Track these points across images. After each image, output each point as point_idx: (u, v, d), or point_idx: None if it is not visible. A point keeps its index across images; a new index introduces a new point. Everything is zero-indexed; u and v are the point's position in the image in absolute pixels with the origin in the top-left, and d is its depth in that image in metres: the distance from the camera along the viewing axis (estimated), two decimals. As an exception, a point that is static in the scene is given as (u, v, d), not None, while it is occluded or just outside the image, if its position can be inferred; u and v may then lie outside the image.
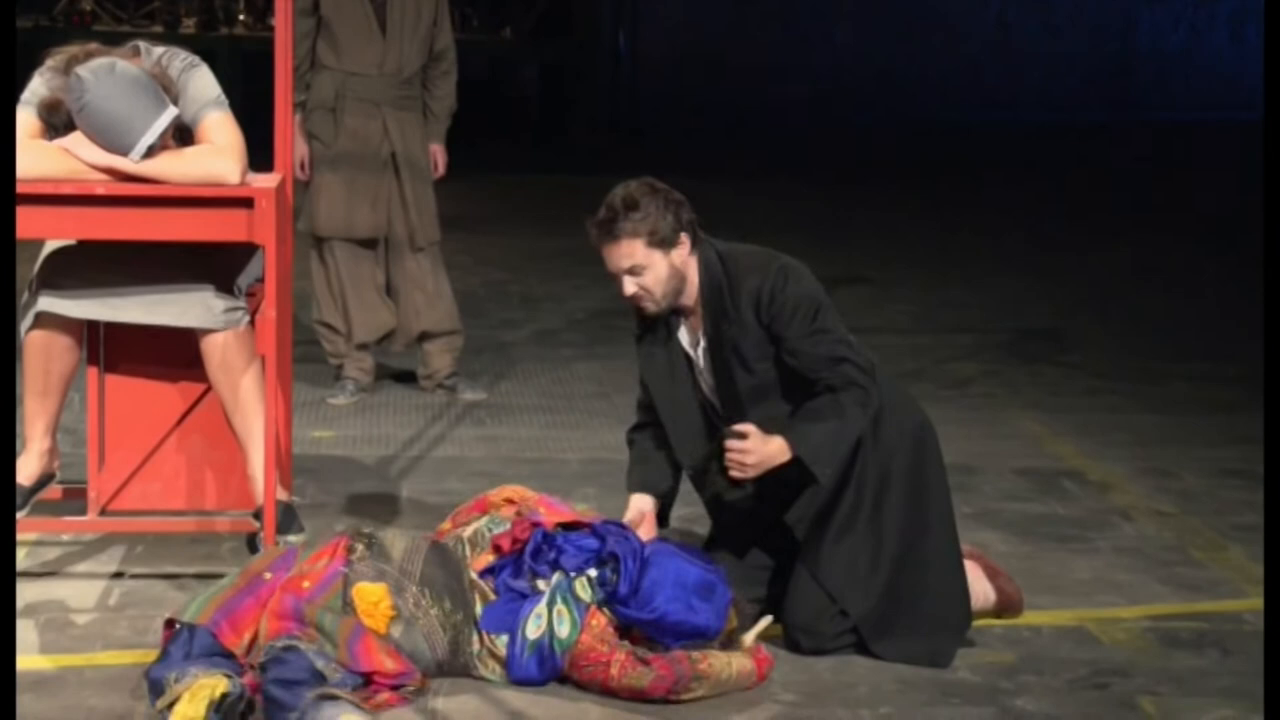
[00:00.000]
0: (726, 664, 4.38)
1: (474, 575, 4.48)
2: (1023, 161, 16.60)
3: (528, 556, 4.48)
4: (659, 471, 4.94)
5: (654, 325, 4.86)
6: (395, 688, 4.29)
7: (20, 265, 5.30)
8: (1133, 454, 6.77)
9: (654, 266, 4.72)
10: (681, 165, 15.78)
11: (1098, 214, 13.33)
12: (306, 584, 4.38)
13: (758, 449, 4.62)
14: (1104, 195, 14.47)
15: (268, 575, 4.42)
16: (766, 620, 4.45)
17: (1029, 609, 5.10)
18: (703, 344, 4.81)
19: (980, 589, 4.90)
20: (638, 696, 4.32)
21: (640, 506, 4.90)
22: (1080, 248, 11.67)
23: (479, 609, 4.42)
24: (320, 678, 4.16)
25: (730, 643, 4.49)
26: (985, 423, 7.21)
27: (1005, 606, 4.96)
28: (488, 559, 4.51)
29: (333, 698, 4.03)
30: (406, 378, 7.49)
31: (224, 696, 4.07)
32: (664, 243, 4.71)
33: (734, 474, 4.66)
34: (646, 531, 4.82)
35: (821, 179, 15.20)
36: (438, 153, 7.32)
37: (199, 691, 4.07)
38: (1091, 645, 4.85)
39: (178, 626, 4.33)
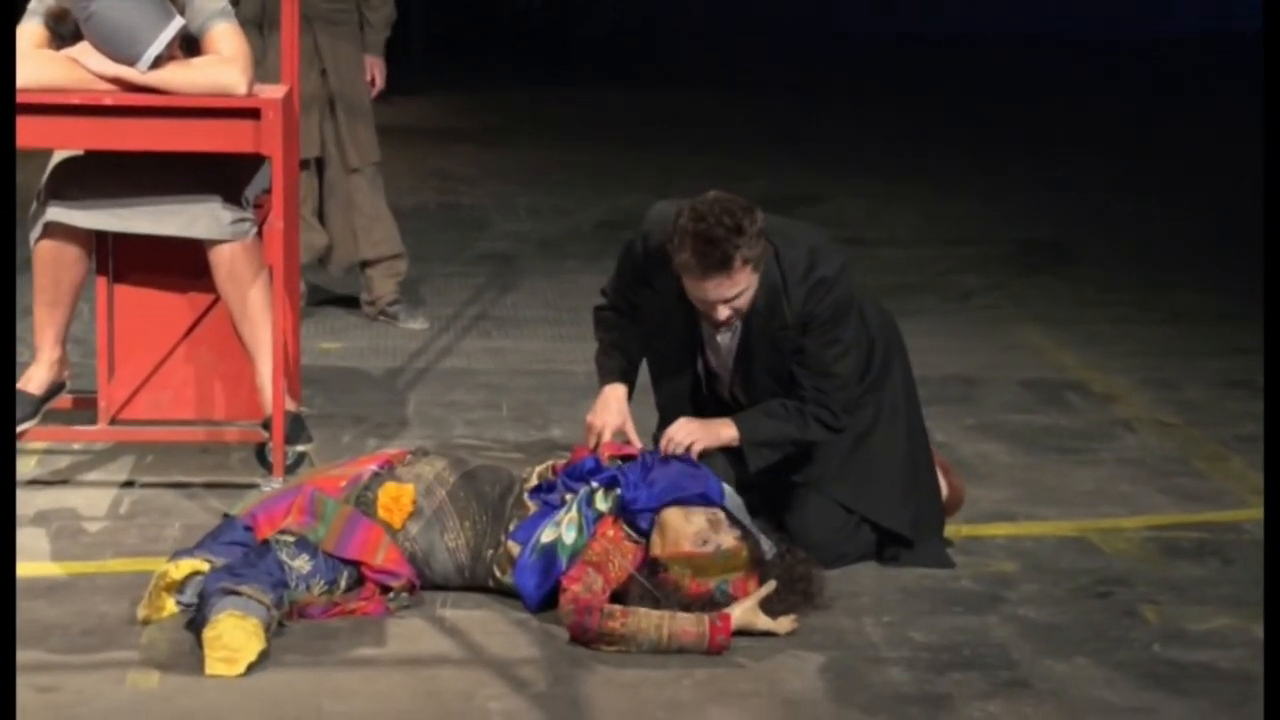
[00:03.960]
0: (656, 626, 4.15)
1: (526, 496, 4.50)
2: (1021, 73, 16.54)
3: (563, 474, 4.52)
4: (631, 364, 4.85)
5: (666, 284, 4.64)
6: (383, 589, 4.35)
7: (29, 175, 5.32)
8: (1136, 365, 6.79)
9: (751, 287, 4.53)
10: (688, 77, 15.78)
11: (1100, 125, 13.30)
12: (343, 483, 4.46)
13: (704, 436, 4.60)
14: (1106, 105, 14.42)
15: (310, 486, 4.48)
16: (770, 587, 4.30)
17: (1031, 519, 5.15)
18: (737, 335, 4.68)
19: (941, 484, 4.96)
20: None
21: (620, 394, 4.80)
22: (1082, 160, 11.65)
23: (514, 524, 4.45)
24: (276, 573, 4.19)
25: (709, 600, 4.30)
26: (988, 334, 7.23)
27: (953, 503, 5.01)
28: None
29: (235, 592, 4.06)
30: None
31: (192, 575, 4.17)
32: (761, 261, 4.53)
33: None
34: (618, 415, 4.75)
35: (824, 90, 15.15)
36: (375, 66, 6.92)
37: (163, 577, 4.18)
38: (1093, 555, 4.89)
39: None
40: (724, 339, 4.72)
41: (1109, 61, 17.41)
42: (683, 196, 4.68)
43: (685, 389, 4.82)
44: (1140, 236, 9.31)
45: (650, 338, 4.80)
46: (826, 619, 4.38)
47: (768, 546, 4.39)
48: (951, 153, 11.91)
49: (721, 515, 4.38)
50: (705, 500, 4.39)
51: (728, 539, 4.35)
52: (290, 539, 4.29)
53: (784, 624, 4.27)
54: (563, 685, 4.02)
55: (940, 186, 10.57)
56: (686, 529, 4.33)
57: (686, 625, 4.18)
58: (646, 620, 4.18)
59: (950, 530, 4.94)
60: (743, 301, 4.55)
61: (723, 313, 4.55)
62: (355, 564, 4.34)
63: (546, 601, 4.34)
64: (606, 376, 4.85)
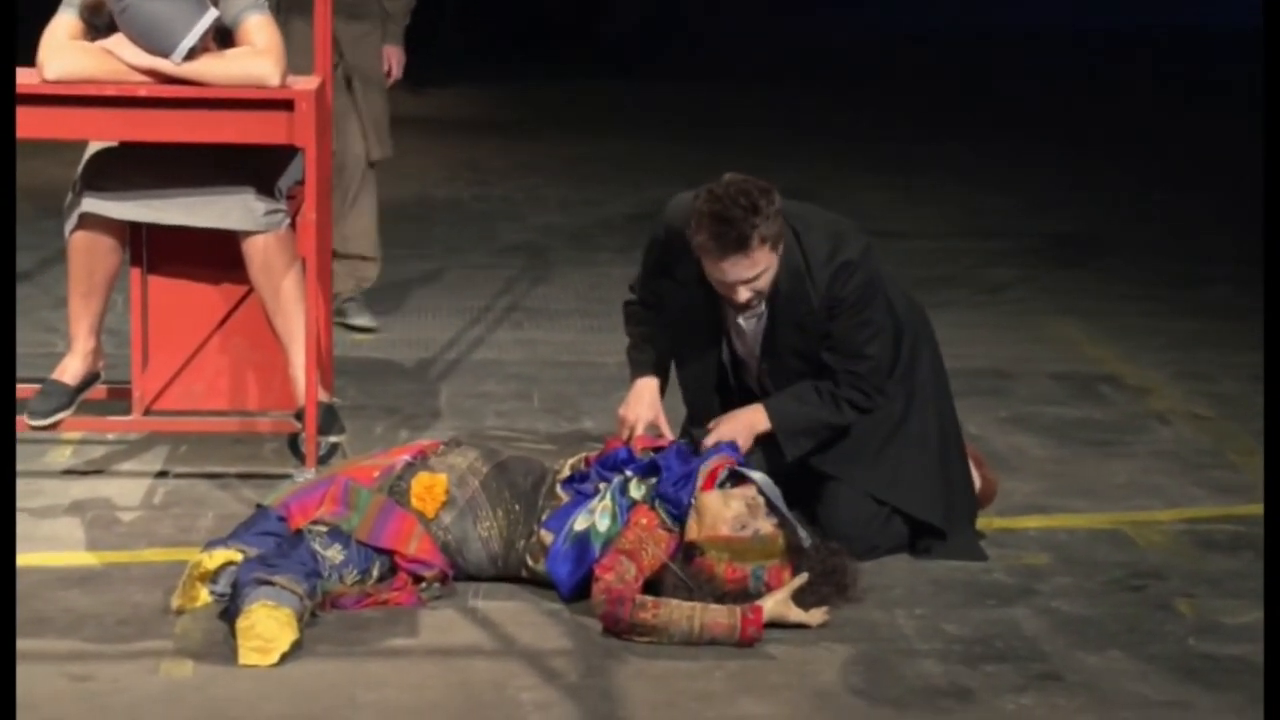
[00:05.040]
0: (687, 617, 4.15)
1: (559, 487, 4.51)
2: (1047, 66, 16.49)
3: (596, 463, 4.52)
4: (662, 357, 4.83)
5: (688, 272, 4.63)
6: (416, 578, 4.35)
7: (64, 167, 5.34)
8: (1170, 358, 6.77)
9: (771, 267, 4.52)
10: (715, 69, 15.76)
11: (1128, 118, 13.26)
12: (376, 473, 4.47)
13: (740, 431, 4.63)
14: (1133, 98, 14.38)
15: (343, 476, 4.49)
16: (802, 579, 4.29)
17: (1065, 512, 5.14)
18: (763, 320, 4.68)
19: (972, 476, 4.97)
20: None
21: (652, 386, 4.81)
22: (1110, 153, 11.61)
23: (547, 513, 4.46)
24: (309, 563, 4.20)
25: (744, 588, 4.30)
26: (1021, 327, 7.21)
27: (986, 496, 5.00)
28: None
29: (268, 582, 4.07)
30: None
31: (226, 565, 4.18)
32: (779, 240, 4.52)
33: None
34: (651, 408, 4.77)
35: (850, 83, 15.13)
36: (393, 55, 6.75)
37: (197, 566, 4.19)
38: (1127, 548, 4.88)
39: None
40: (749, 325, 4.72)
41: (1137, 55, 17.35)
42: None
43: (711, 379, 4.82)
44: (1171, 229, 9.27)
45: (675, 328, 4.79)
46: (859, 611, 4.38)
47: (804, 535, 4.39)
48: (975, 146, 11.89)
49: (760, 500, 4.38)
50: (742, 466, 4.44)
51: (765, 525, 4.35)
52: (323, 529, 4.30)
53: (816, 616, 4.27)
54: (595, 676, 4.02)
55: (966, 180, 10.55)
56: (725, 513, 4.33)
57: (718, 616, 4.18)
58: (678, 611, 4.18)
59: (983, 523, 4.94)
60: (763, 282, 4.54)
61: (743, 294, 4.53)
62: (388, 553, 4.35)
63: (579, 590, 4.34)
64: (638, 369, 4.86)
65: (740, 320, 4.71)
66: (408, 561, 4.36)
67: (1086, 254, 8.63)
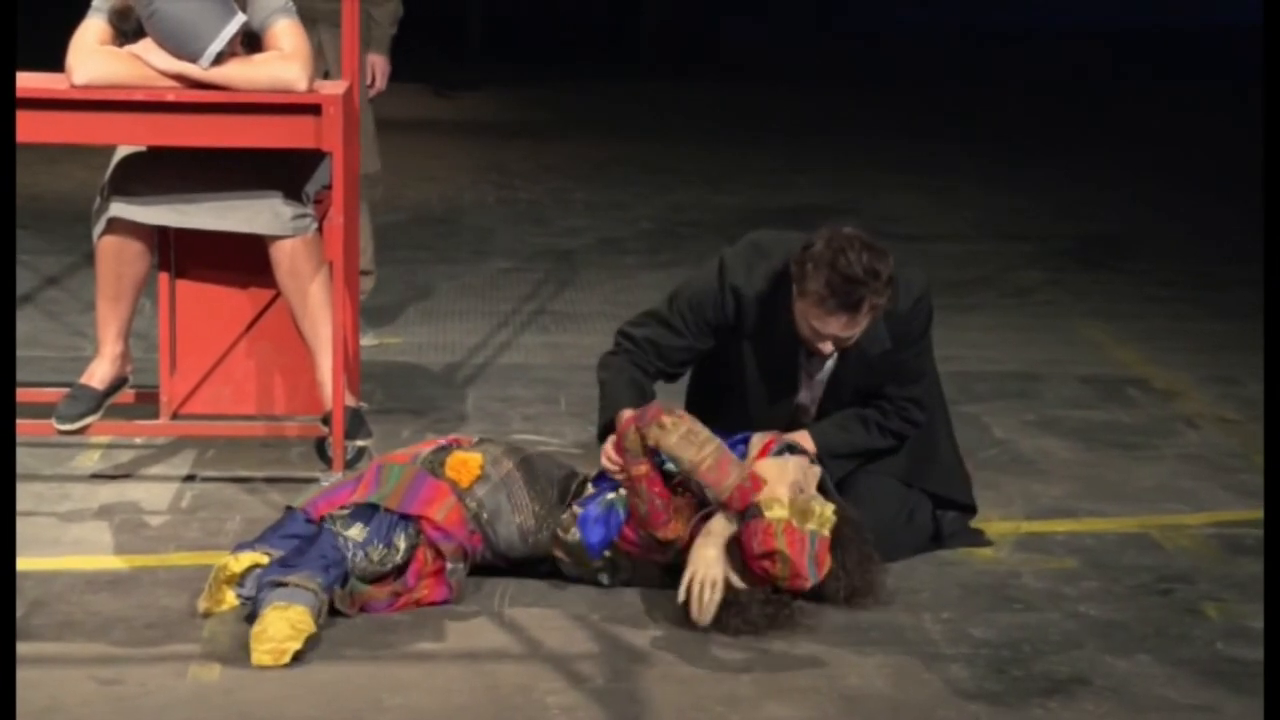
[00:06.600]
0: (707, 440, 4.26)
1: (590, 484, 4.54)
2: (1068, 66, 16.46)
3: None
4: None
5: (773, 327, 4.60)
6: (436, 552, 4.34)
7: (92, 172, 5.36)
8: (1197, 360, 6.76)
9: (862, 329, 4.51)
10: (742, 71, 15.77)
11: (1155, 119, 13.22)
12: (408, 459, 4.50)
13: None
14: (1159, 99, 14.34)
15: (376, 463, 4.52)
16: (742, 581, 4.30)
17: (1093, 515, 5.13)
18: (829, 366, 4.67)
19: None
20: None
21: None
22: (1136, 153, 11.58)
23: (579, 498, 4.49)
24: (330, 554, 4.21)
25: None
26: (1048, 330, 7.20)
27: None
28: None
29: (281, 584, 4.08)
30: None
31: (252, 568, 4.19)
32: (881, 311, 4.49)
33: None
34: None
35: (874, 85, 15.12)
36: (377, 65, 6.56)
37: (223, 570, 4.20)
38: (1155, 551, 4.87)
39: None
40: (821, 372, 4.72)
41: (1160, 54, 17.30)
42: (735, 216, 4.67)
43: (781, 425, 4.75)
44: (1197, 231, 9.25)
45: (749, 384, 4.71)
46: (885, 615, 4.37)
47: (854, 512, 4.42)
48: (995, 148, 11.87)
49: (816, 469, 4.42)
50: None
51: (818, 497, 4.36)
52: (345, 512, 4.31)
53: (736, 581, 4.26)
54: (621, 680, 4.02)
55: (989, 182, 10.54)
56: (784, 475, 4.32)
57: (729, 463, 4.25)
58: (702, 434, 4.26)
59: (1010, 527, 4.94)
60: (850, 341, 4.54)
61: (828, 347, 4.54)
62: (415, 520, 4.34)
63: (605, 546, 4.41)
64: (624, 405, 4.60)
65: (812, 369, 4.71)
66: (433, 529, 4.34)
67: (1113, 257, 8.61)
